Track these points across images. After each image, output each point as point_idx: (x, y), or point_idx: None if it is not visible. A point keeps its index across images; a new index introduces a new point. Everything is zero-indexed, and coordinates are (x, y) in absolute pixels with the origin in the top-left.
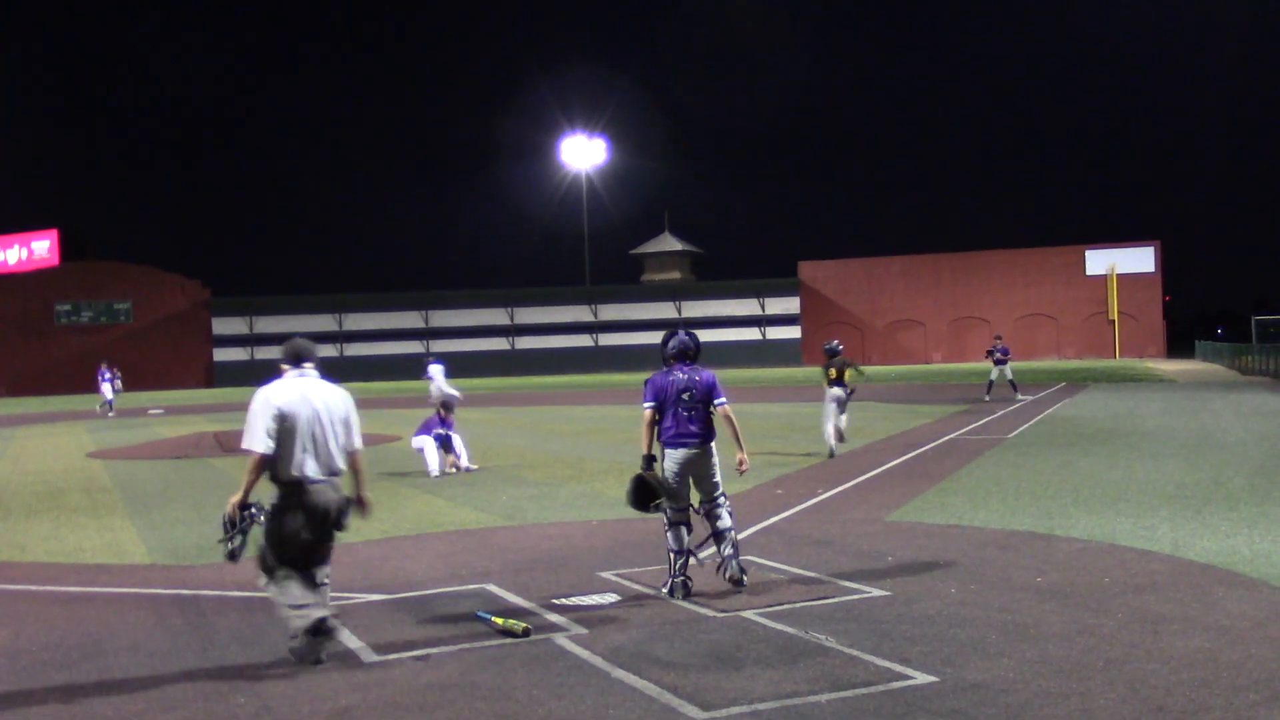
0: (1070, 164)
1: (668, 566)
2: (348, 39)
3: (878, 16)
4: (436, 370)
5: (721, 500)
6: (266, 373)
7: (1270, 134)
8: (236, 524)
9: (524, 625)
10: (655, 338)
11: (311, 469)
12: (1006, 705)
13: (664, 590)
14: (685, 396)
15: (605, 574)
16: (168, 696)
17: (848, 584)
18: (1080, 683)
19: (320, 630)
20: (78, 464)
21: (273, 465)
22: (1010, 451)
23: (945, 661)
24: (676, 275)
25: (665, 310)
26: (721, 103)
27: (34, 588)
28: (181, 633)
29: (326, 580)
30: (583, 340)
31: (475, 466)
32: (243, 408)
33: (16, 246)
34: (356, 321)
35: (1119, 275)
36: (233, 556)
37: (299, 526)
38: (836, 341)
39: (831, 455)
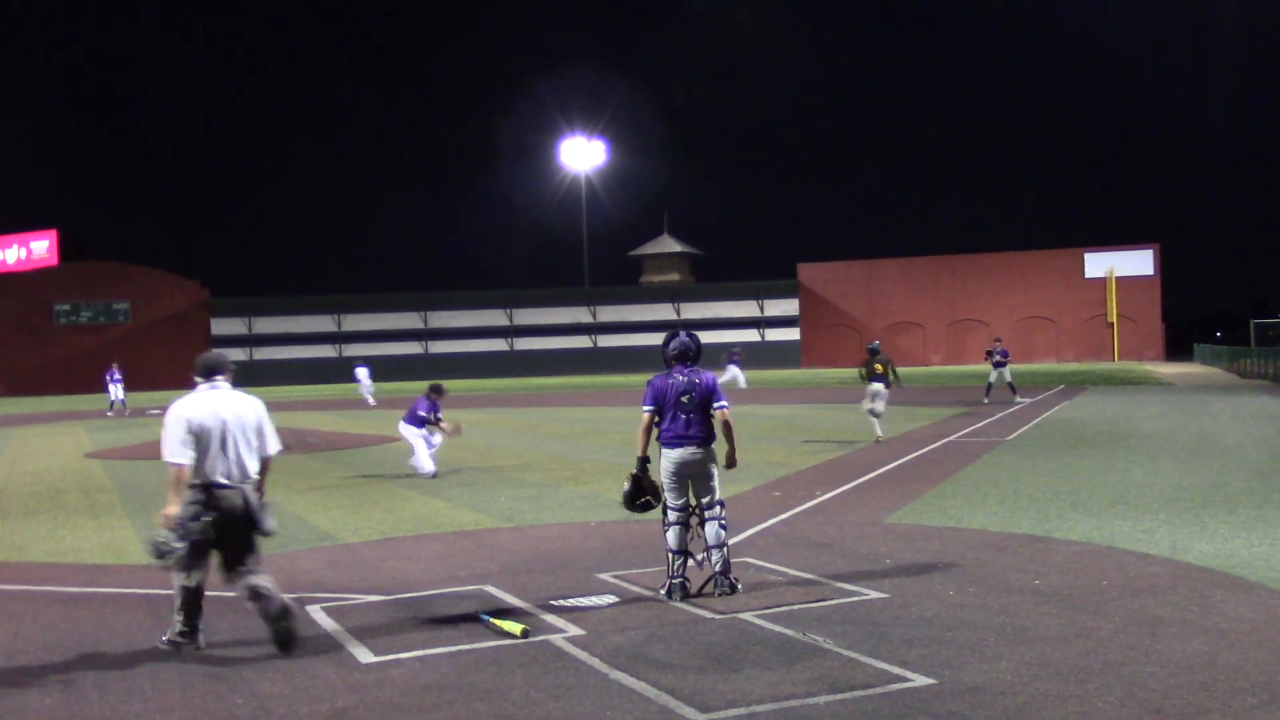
0: (1069, 166)
1: (666, 567)
2: (347, 40)
3: (877, 18)
4: (362, 373)
5: (717, 511)
6: (266, 374)
7: (1270, 137)
8: (175, 531)
9: (522, 626)
10: (654, 339)
11: (221, 474)
12: (1004, 707)
13: (662, 592)
14: (685, 399)
15: (603, 575)
16: (165, 697)
17: (846, 586)
18: (1078, 685)
19: (184, 646)
20: (76, 464)
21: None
22: (1009, 454)
23: (943, 664)
24: (675, 277)
25: (664, 312)
26: (721, 104)
27: (32, 588)
28: None
29: (263, 584)
30: (581, 341)
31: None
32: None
33: (15, 246)
34: (355, 322)
35: (1118, 278)
36: (162, 560)
37: (206, 527)
38: (877, 342)
39: (878, 441)
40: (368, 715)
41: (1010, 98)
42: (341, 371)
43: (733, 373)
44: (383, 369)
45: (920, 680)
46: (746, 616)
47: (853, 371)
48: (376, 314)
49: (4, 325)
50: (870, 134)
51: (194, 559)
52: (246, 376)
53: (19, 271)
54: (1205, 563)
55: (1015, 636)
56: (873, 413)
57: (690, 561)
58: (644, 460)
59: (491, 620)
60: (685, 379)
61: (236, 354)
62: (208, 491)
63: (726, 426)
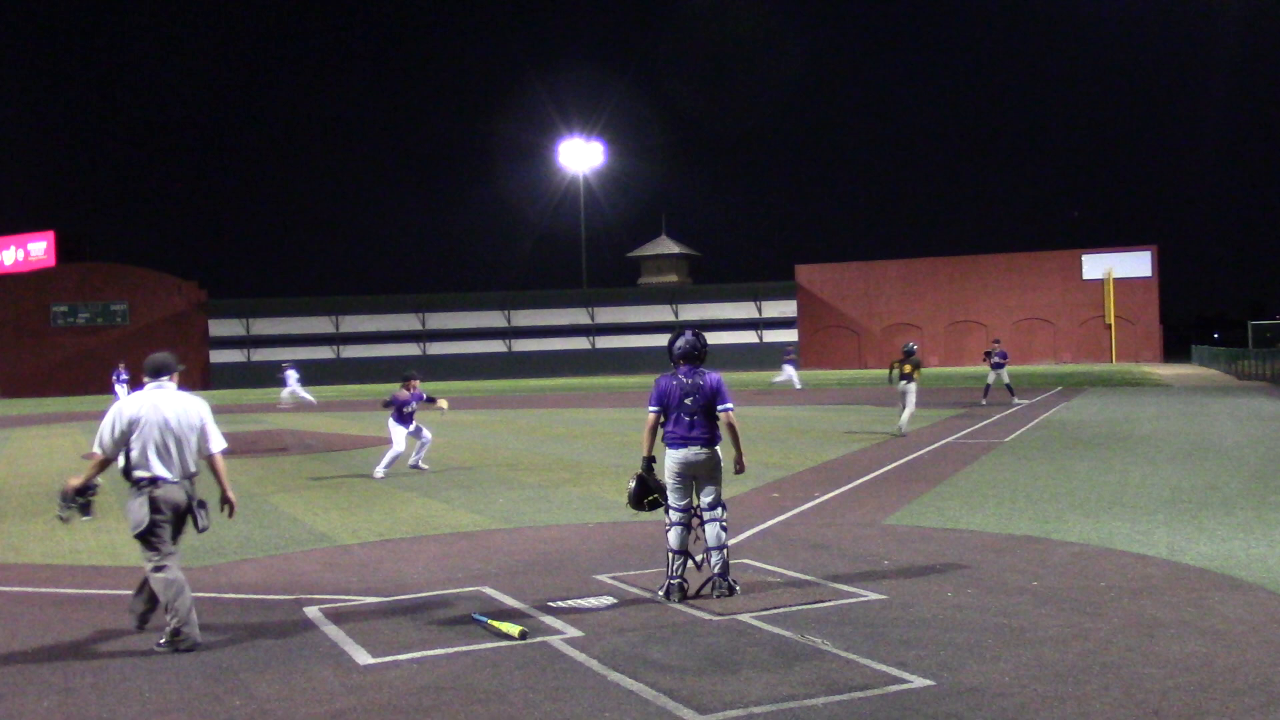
0: (1067, 168)
1: (666, 567)
2: (345, 41)
3: (875, 20)
4: (291, 375)
5: (718, 512)
6: (264, 375)
7: (1268, 139)
8: (68, 500)
9: (520, 628)
10: (652, 341)
11: (161, 470)
12: (1003, 709)
13: (660, 593)
14: (688, 401)
15: (601, 577)
16: (163, 699)
17: (844, 587)
18: (1076, 686)
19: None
20: (74, 466)
21: (127, 466)
22: (1007, 455)
23: (942, 665)
24: (674, 278)
25: (662, 313)
26: (719, 106)
27: (30, 589)
28: None
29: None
30: (580, 343)
31: (427, 467)
32: (241, 409)
33: (13, 247)
34: (353, 324)
35: (1116, 279)
36: (62, 520)
37: (157, 520)
38: (914, 344)
39: (901, 433)
40: (366, 717)
41: (1008, 99)
42: (341, 373)
43: (788, 373)
44: (381, 370)
45: (919, 682)
46: (745, 618)
47: (881, 371)
48: (374, 315)
49: (2, 327)
50: (868, 135)
51: (161, 549)
52: (244, 378)
53: (16, 272)
54: (1203, 564)
55: (1013, 638)
56: (903, 407)
57: (690, 563)
58: (649, 460)
59: (489, 622)
60: (690, 380)
61: (235, 355)
62: (153, 487)
63: (731, 429)
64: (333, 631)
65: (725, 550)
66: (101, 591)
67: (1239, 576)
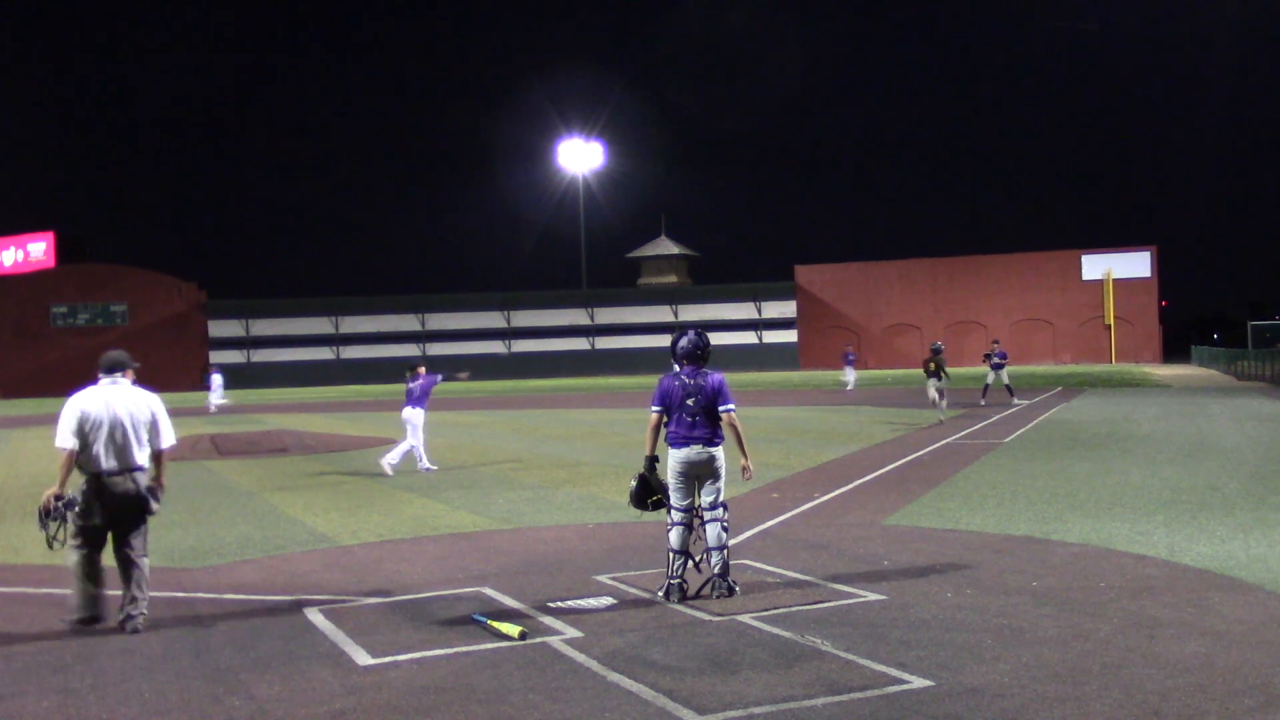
0: (1067, 169)
1: (666, 567)
2: (344, 41)
3: (874, 21)
4: (216, 380)
5: (719, 513)
6: (263, 375)
7: (1267, 139)
8: (51, 513)
9: (520, 628)
10: (652, 341)
11: (109, 463)
12: (1002, 710)
13: (660, 594)
14: (690, 401)
15: (601, 577)
16: (162, 700)
17: (844, 588)
18: (1076, 687)
19: (87, 623)
20: None
21: (80, 459)
22: (1006, 456)
23: (941, 666)
24: (673, 279)
25: (662, 314)
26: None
27: (29, 590)
28: (176, 636)
29: (140, 561)
30: (579, 344)
31: (435, 466)
32: (239, 410)
33: (13, 248)
34: (352, 324)
35: (1115, 280)
36: (50, 545)
37: (96, 510)
38: (940, 344)
39: (941, 421)
40: (366, 717)
41: (1007, 100)
42: (340, 374)
43: (851, 374)
44: (380, 371)
45: (918, 682)
46: (744, 618)
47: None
48: (374, 316)
49: (1, 327)
50: (868, 136)
51: (88, 538)
52: (244, 378)
53: (16, 273)
54: (1203, 564)
55: (1013, 638)
56: (934, 402)
57: (690, 564)
58: (652, 459)
59: (489, 622)
60: (692, 381)
61: (234, 356)
62: (98, 480)
63: (734, 430)
64: (332, 632)
65: (725, 551)
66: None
67: (1239, 577)
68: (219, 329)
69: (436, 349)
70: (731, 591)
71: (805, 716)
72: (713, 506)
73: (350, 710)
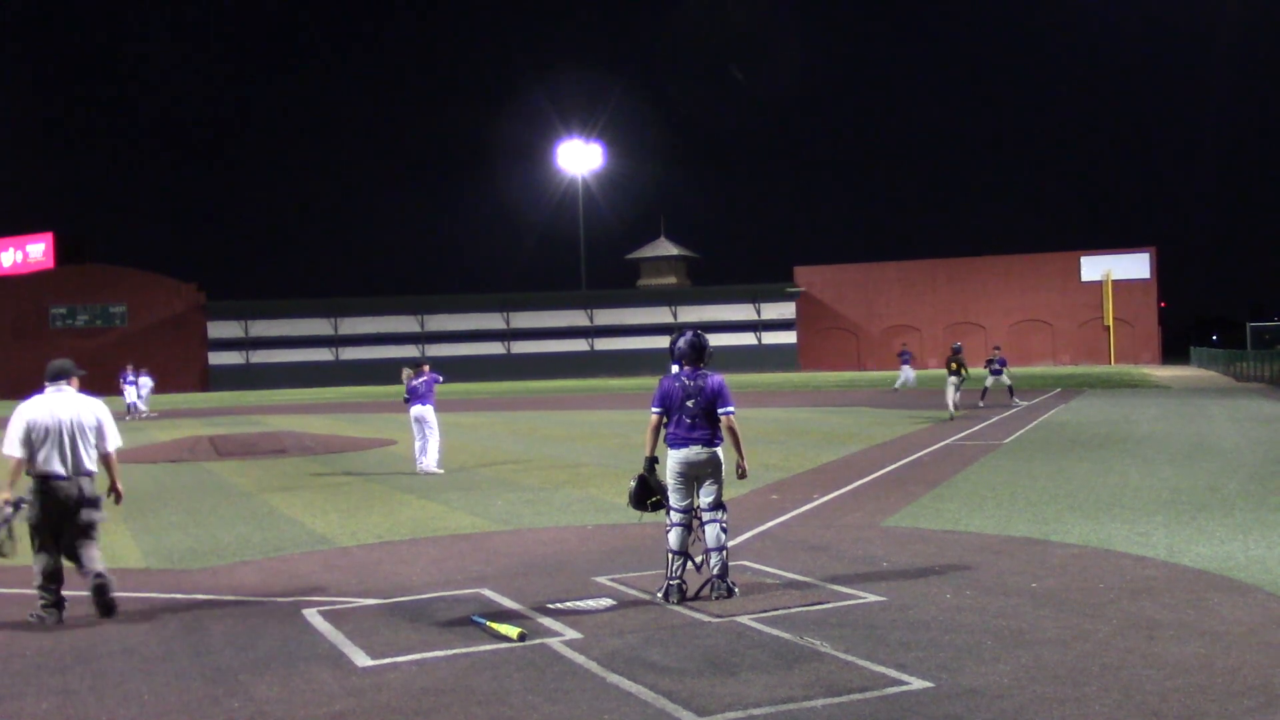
0: (1066, 170)
1: (665, 569)
2: (343, 42)
3: (874, 22)
4: (145, 383)
5: (719, 514)
6: (263, 376)
7: (1267, 140)
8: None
9: (519, 630)
10: (651, 343)
11: (56, 468)
12: (1002, 711)
13: (659, 595)
14: (689, 403)
15: (600, 579)
16: (161, 701)
17: (843, 589)
18: (1075, 688)
19: (47, 619)
20: None
21: (29, 466)
22: (1006, 457)
23: (941, 667)
24: (672, 280)
25: (661, 315)
26: (718, 107)
27: (28, 591)
28: (175, 637)
29: (95, 564)
30: (578, 345)
31: (442, 470)
32: (239, 411)
33: (12, 249)
34: (351, 325)
35: (1114, 281)
36: (1, 553)
37: (44, 513)
38: (959, 344)
39: (952, 418)
40: (365, 719)
41: (1007, 102)
42: (339, 375)
43: (906, 374)
44: (380, 372)
45: (918, 683)
46: (743, 619)
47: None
48: (373, 317)
49: (0, 329)
50: (867, 137)
51: (41, 539)
52: (243, 380)
53: (15, 274)
54: (1202, 565)
55: (1012, 639)
56: (952, 401)
57: (689, 565)
58: (651, 460)
59: (488, 624)
60: (692, 382)
61: (233, 357)
62: (45, 483)
63: (732, 432)
64: (331, 633)
65: (725, 552)
66: None
67: (1238, 578)
68: (218, 330)
69: (436, 350)
70: (731, 593)
71: (805, 718)
72: (712, 508)
73: (349, 712)
